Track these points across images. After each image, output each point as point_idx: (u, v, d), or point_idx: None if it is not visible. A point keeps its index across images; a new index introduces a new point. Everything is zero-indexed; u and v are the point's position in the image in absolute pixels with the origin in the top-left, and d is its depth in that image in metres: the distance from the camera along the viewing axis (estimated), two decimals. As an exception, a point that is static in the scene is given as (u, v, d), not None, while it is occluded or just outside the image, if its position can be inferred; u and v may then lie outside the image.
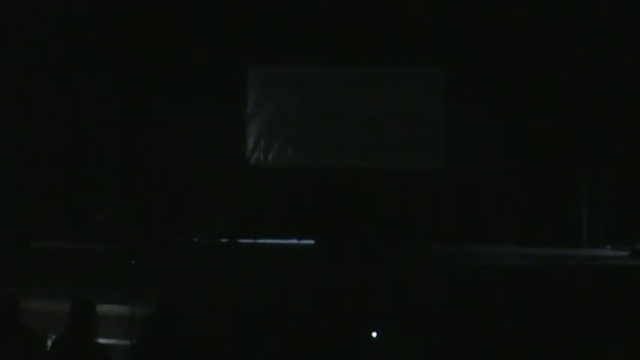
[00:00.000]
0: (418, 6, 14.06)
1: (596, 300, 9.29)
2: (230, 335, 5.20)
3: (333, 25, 14.10)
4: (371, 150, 13.71)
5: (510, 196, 14.58)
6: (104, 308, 7.23)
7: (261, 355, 5.37)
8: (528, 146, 14.37)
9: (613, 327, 7.19)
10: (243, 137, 14.79)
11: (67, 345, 5.32)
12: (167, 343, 5.16)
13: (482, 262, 12.62)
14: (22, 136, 14.02)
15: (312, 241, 13.99)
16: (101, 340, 6.03)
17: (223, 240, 14.08)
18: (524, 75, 14.10)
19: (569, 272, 11.88)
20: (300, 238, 14.31)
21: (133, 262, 8.27)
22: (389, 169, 14.14)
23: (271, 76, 14.84)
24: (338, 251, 12.17)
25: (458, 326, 6.69)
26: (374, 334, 5.49)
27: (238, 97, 14.69)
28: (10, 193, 13.69)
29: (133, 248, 11.59)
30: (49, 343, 5.57)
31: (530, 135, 14.34)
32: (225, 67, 14.29)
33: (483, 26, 14.07)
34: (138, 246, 12.27)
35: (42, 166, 14.11)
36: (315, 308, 5.89)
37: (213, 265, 11.80)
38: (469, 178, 14.71)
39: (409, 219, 14.07)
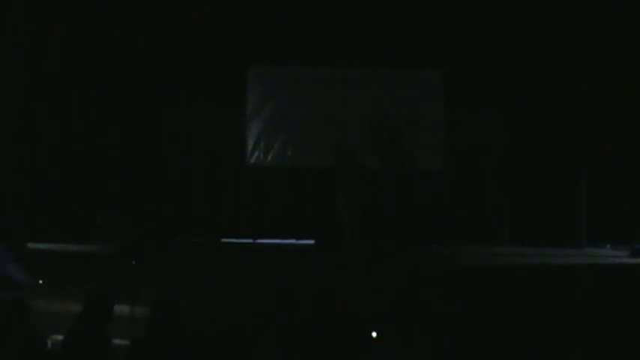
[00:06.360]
0: (418, 7, 14.08)
1: (596, 299, 9.30)
2: (230, 335, 5.20)
3: (334, 26, 14.12)
4: (371, 150, 13.70)
5: (510, 196, 14.59)
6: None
7: (261, 355, 5.37)
8: (528, 146, 14.37)
9: (613, 327, 7.20)
10: (243, 137, 14.80)
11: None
12: (166, 343, 5.17)
13: (482, 262, 12.63)
14: (22, 136, 14.02)
15: (311, 241, 13.99)
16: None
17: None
18: (523, 75, 14.11)
19: (569, 272, 11.89)
20: (298, 238, 14.33)
21: (133, 262, 8.28)
22: (389, 169, 14.13)
23: (271, 76, 14.84)
24: (338, 251, 12.17)
25: (458, 326, 6.69)
26: (374, 334, 5.49)
27: (238, 97, 14.70)
28: (10, 193, 13.69)
29: (133, 248, 11.60)
30: (49, 344, 5.57)
31: (530, 135, 14.35)
32: (225, 67, 14.30)
33: (483, 27, 14.09)
34: (138, 246, 12.27)
35: (42, 167, 14.11)
36: (315, 308, 5.88)
37: (213, 266, 11.82)
38: (469, 178, 14.72)
39: (409, 219, 14.06)
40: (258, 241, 14.45)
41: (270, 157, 14.77)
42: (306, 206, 14.55)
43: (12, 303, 5.49)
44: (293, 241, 14.36)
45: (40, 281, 9.18)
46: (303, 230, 14.34)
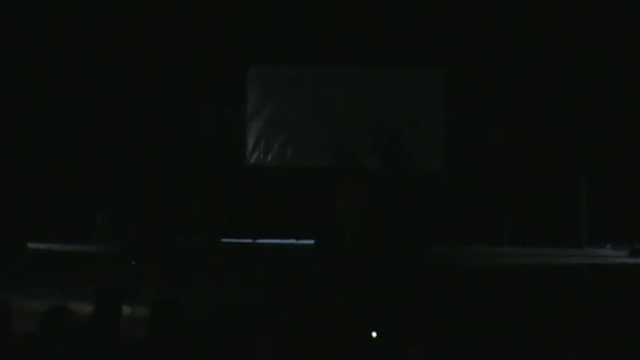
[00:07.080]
0: (418, 7, 14.08)
1: (596, 299, 9.30)
2: (230, 335, 5.19)
3: (334, 26, 14.12)
4: (371, 150, 13.71)
5: (510, 196, 14.59)
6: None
7: (261, 355, 5.37)
8: (528, 146, 14.38)
9: (613, 327, 7.19)
10: (243, 137, 14.80)
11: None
12: (166, 343, 5.17)
13: (482, 262, 12.63)
14: (22, 136, 14.02)
15: (311, 241, 13.99)
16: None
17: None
18: (523, 75, 14.12)
19: (569, 272, 11.89)
20: (298, 238, 14.33)
21: (133, 262, 8.28)
22: (389, 169, 14.13)
23: (271, 76, 14.84)
24: (338, 251, 12.17)
25: (458, 326, 6.69)
26: (374, 334, 5.48)
27: (238, 97, 14.70)
28: (10, 193, 13.69)
29: (133, 248, 11.60)
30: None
31: (530, 135, 14.35)
32: (225, 67, 14.31)
33: (483, 27, 14.09)
34: (138, 246, 12.27)
35: (42, 167, 14.11)
36: (315, 308, 5.88)
37: (213, 266, 11.82)
38: (469, 178, 14.72)
39: (409, 219, 14.06)
40: (258, 241, 14.45)
41: (270, 157, 14.77)
42: (306, 206, 14.54)
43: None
44: (293, 241, 14.36)
45: None
46: (303, 230, 14.34)
